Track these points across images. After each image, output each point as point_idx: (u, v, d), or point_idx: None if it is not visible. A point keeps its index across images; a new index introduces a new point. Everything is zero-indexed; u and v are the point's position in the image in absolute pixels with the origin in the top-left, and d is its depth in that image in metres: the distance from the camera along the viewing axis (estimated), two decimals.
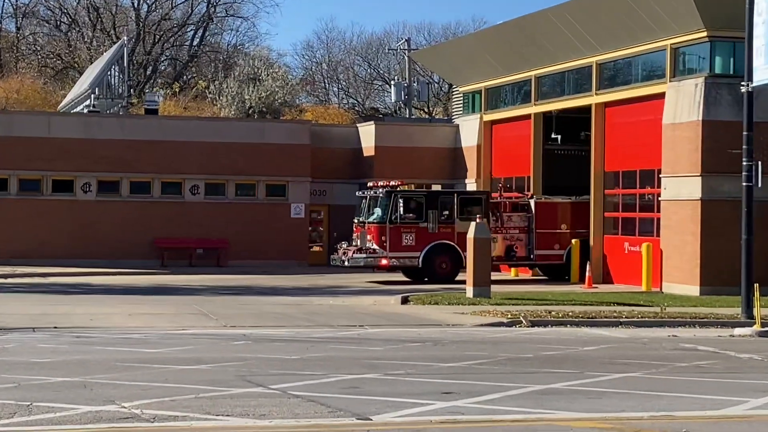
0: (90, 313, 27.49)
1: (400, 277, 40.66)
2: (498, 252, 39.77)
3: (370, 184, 41.22)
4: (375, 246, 38.81)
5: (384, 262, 38.85)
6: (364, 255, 38.85)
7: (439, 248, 39.10)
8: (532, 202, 40.99)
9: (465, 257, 38.66)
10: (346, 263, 39.07)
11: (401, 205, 38.89)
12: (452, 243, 39.17)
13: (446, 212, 39.36)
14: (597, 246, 40.11)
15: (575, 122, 43.93)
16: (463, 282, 37.91)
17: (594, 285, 37.57)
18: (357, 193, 41.78)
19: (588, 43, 39.83)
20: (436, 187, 50.95)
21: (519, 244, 40.52)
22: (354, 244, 39.87)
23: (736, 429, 12.96)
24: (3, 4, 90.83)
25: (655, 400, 14.68)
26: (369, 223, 39.32)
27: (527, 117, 44.63)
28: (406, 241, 38.85)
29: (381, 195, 39.30)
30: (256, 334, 23.35)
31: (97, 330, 24.14)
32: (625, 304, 30.31)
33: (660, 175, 36.39)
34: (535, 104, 44.20)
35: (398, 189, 39.52)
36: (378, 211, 39.20)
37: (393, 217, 38.79)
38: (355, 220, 40.56)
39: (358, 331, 24.69)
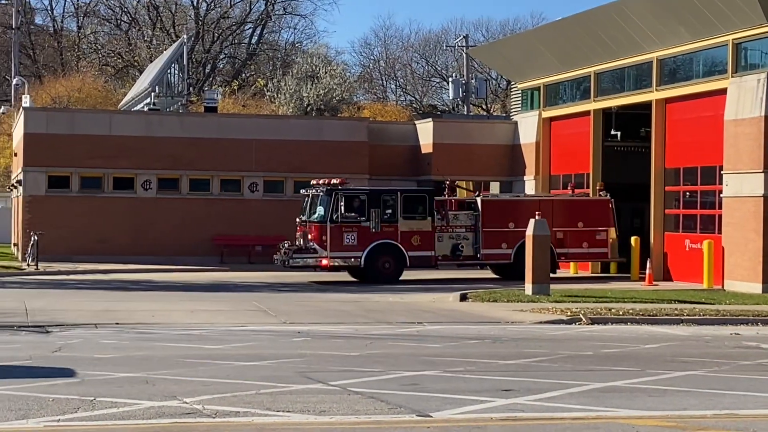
0: (151, 310, 27.73)
1: (345, 277, 39.64)
2: (443, 251, 39.03)
3: (312, 181, 40.10)
4: (315, 246, 37.87)
5: (324, 262, 37.79)
6: (304, 255, 37.98)
7: (381, 248, 38.09)
8: (478, 200, 39.95)
9: (409, 257, 38.30)
10: (287, 263, 38.17)
11: (342, 203, 37.77)
12: (395, 242, 38.24)
13: (389, 211, 38.29)
14: (657, 243, 39.79)
15: (635, 118, 43.61)
16: (409, 282, 37.89)
17: (654, 282, 37.28)
18: (301, 191, 40.72)
19: (648, 38, 39.52)
20: (495, 185, 50.91)
21: (465, 243, 39.31)
22: (297, 243, 38.92)
23: None
24: (65, 4, 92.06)
25: (718, 398, 14.54)
26: (310, 222, 38.34)
27: (586, 113, 44.36)
28: (348, 240, 37.77)
29: (322, 193, 38.25)
30: (315, 331, 23.42)
31: (158, 326, 24.33)
32: (686, 302, 30.05)
33: (721, 172, 36.03)
34: (594, 100, 43.93)
35: (339, 187, 38.27)
36: (320, 210, 38.17)
37: (334, 216, 37.69)
38: (298, 219, 39.60)
39: (417, 328, 24.68)
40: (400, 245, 38.31)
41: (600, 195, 41.25)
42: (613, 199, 41.19)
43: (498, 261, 40.05)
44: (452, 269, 42.17)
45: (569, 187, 43.33)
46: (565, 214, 40.13)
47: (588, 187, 43.92)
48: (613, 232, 40.64)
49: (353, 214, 37.96)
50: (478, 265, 40.80)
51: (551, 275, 39.24)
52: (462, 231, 39.47)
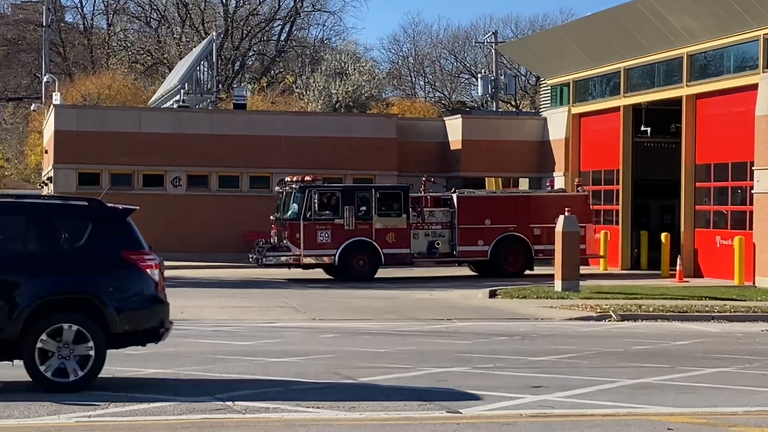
0: (181, 306, 27.68)
1: (321, 274, 39.09)
2: (419, 248, 38.46)
3: (287, 178, 39.60)
4: (289, 243, 37.35)
5: (297, 260, 37.31)
6: (278, 253, 37.60)
7: (356, 245, 37.53)
8: (454, 197, 39.29)
9: (383, 254, 37.78)
10: (261, 261, 37.81)
11: (316, 201, 37.25)
12: (370, 240, 37.70)
13: (364, 208, 37.71)
14: (688, 240, 39.59)
15: (665, 114, 43.40)
16: (383, 280, 37.39)
17: (684, 279, 37.11)
18: (276, 189, 40.25)
19: (678, 34, 39.33)
20: (524, 181, 50.78)
21: (441, 240, 38.67)
22: (272, 241, 38.46)
23: None
24: (95, 2, 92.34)
25: (749, 395, 14.46)
26: (284, 219, 37.84)
27: (616, 109, 44.19)
28: (322, 238, 37.20)
29: (295, 191, 37.68)
30: (344, 327, 23.45)
31: (189, 322, 24.39)
32: (717, 299, 29.90)
33: (753, 168, 35.82)
34: (624, 96, 43.74)
35: (313, 184, 37.79)
36: (293, 207, 37.63)
37: (307, 214, 37.18)
38: (272, 217, 39.14)
39: (446, 324, 24.67)
40: (374, 243, 37.77)
41: (578, 191, 41.03)
42: (590, 195, 41.05)
43: (474, 258, 39.50)
44: (429, 266, 41.64)
45: (547, 183, 43.12)
46: (542, 210, 39.62)
47: (618, 184, 43.75)
48: (591, 229, 40.26)
49: (327, 211, 37.50)
50: (456, 262, 40.11)
51: (528, 272, 39.07)
52: (438, 228, 38.97)
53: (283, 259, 37.73)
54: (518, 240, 39.21)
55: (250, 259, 38.92)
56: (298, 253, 37.32)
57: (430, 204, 39.41)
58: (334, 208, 37.59)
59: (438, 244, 38.80)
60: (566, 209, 33.55)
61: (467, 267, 40.85)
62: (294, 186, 38.01)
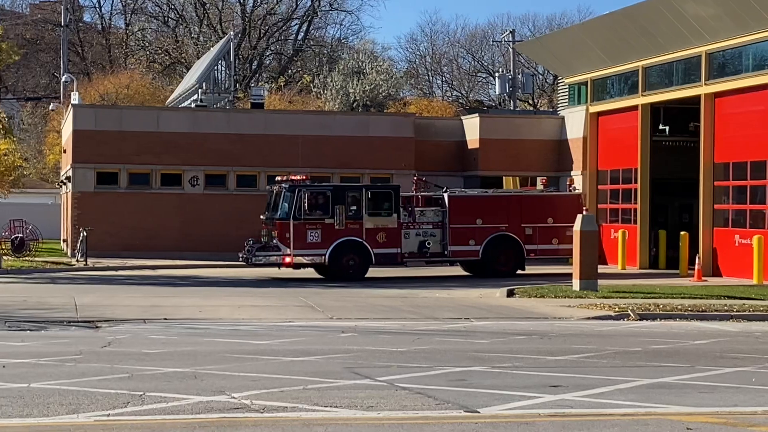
0: (199, 305, 27.87)
1: (312, 273, 39.08)
2: (410, 248, 38.24)
3: (277, 178, 39.57)
4: (279, 243, 37.28)
5: (287, 259, 37.22)
6: (267, 252, 37.57)
7: (346, 245, 37.43)
8: (445, 197, 39.07)
9: (374, 254, 37.64)
10: (250, 260, 37.82)
11: (306, 200, 37.11)
12: (360, 239, 37.56)
13: (354, 207, 37.55)
14: (706, 239, 39.46)
15: (683, 113, 43.28)
16: (374, 279, 37.30)
17: (703, 278, 37.00)
18: (267, 188, 39.94)
19: (697, 32, 39.21)
20: (539, 180, 50.69)
21: (432, 240, 38.44)
22: (262, 241, 38.40)
23: None
24: (113, 1, 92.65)
25: None
26: (274, 219, 37.74)
27: (634, 108, 44.09)
28: (312, 237, 37.07)
29: (285, 190, 37.52)
30: (362, 327, 23.43)
31: (206, 321, 24.46)
32: (735, 298, 29.81)
33: None
34: (642, 95, 43.63)
35: (303, 183, 37.70)
36: (284, 207, 37.44)
37: (297, 213, 37.03)
38: (262, 216, 39.01)
39: (464, 323, 24.64)
40: (365, 242, 37.65)
41: (570, 191, 40.88)
42: (582, 194, 40.88)
43: (466, 258, 39.31)
44: (420, 266, 41.39)
45: (541, 182, 43.03)
46: (534, 210, 39.46)
47: (636, 183, 43.65)
48: None
49: (317, 211, 37.37)
50: (447, 262, 39.88)
51: (519, 272, 38.93)
52: (429, 228, 38.71)
53: (272, 258, 37.68)
54: (510, 240, 39.06)
55: (240, 259, 38.88)
56: (287, 252, 37.25)
57: (422, 203, 39.31)
58: (324, 208, 37.48)
59: (429, 243, 38.60)
60: (583, 209, 33.45)
61: (459, 267, 40.71)
62: (284, 185, 37.93)
